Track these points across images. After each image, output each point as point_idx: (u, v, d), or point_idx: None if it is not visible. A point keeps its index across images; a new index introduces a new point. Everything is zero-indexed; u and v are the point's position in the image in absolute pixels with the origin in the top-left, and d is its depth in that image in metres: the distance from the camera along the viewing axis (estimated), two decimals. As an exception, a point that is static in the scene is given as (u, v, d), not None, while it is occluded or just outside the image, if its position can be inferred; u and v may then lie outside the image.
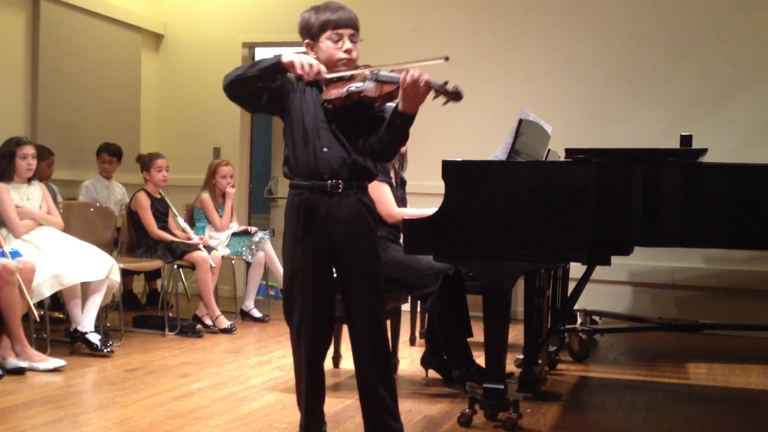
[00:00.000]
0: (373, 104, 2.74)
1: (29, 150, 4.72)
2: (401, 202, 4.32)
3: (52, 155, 5.79)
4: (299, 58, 2.67)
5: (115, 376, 4.18)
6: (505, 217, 3.30)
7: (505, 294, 3.31)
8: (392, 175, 4.28)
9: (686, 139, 3.86)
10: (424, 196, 5.08)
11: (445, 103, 2.64)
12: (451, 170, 3.34)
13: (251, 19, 7.29)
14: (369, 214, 2.83)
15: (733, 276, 5.97)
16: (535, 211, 3.28)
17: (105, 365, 4.42)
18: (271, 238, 6.28)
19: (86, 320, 4.66)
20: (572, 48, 6.42)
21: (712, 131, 5.81)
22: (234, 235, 6.12)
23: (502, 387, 3.32)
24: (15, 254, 4.37)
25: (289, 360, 4.55)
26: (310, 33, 2.79)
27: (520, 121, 3.59)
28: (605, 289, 6.02)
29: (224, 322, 5.56)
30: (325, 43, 2.76)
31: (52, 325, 4.82)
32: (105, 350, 4.60)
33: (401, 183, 4.45)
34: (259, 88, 2.76)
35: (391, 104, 2.73)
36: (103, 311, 5.04)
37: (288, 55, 2.68)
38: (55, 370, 4.20)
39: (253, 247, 6.06)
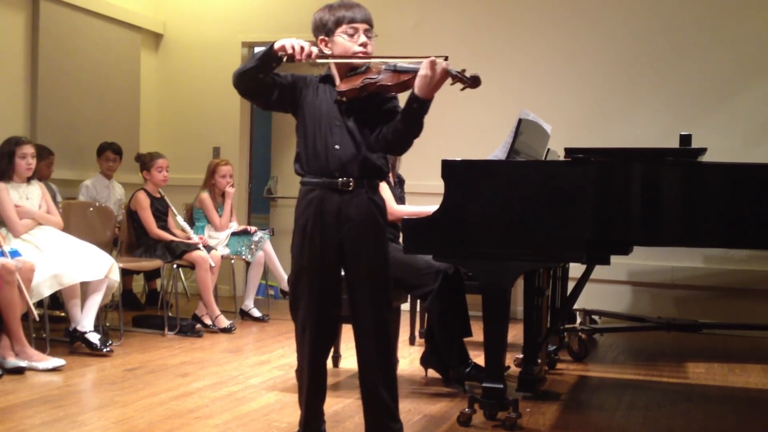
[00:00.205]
0: (388, 93, 2.72)
1: (28, 149, 4.72)
2: (399, 200, 4.32)
3: (52, 155, 5.79)
4: (290, 41, 2.66)
5: (114, 375, 4.18)
6: (505, 216, 3.30)
7: (504, 293, 3.31)
8: (390, 174, 4.28)
9: (685, 139, 3.85)
10: (423, 196, 5.08)
11: (463, 89, 2.63)
12: (451, 170, 3.34)
13: (251, 18, 7.29)
14: (379, 214, 2.82)
15: (733, 275, 5.97)
16: (534, 211, 3.29)
17: (104, 365, 4.42)
18: (270, 237, 6.28)
19: (86, 320, 4.66)
20: (572, 47, 6.42)
21: (712, 131, 5.81)
22: (233, 234, 6.12)
23: (501, 386, 3.32)
24: (14, 254, 4.37)
25: (288, 360, 4.56)
26: (325, 29, 2.80)
27: (520, 121, 3.59)
28: (605, 288, 6.03)
29: (224, 322, 5.56)
30: (341, 37, 2.76)
31: (52, 324, 4.82)
32: (104, 350, 4.60)
33: (399, 182, 4.45)
34: (264, 81, 2.75)
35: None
36: (103, 311, 5.04)
37: (280, 40, 2.68)
38: (55, 369, 4.20)
39: (253, 246, 6.06)
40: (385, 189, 4.10)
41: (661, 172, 3.28)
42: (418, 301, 4.68)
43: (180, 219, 5.85)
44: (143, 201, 5.61)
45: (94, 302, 4.70)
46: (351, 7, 2.78)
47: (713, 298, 6.03)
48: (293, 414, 3.31)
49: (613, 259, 3.40)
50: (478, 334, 3.69)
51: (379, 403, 2.81)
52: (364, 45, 2.76)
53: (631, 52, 6.28)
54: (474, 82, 2.60)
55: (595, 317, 5.59)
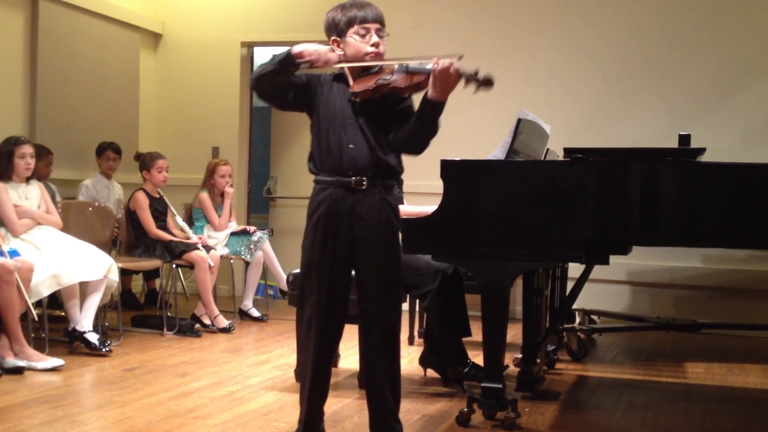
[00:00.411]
0: (402, 95, 2.73)
1: (28, 149, 4.71)
2: (398, 200, 4.31)
3: (51, 154, 5.78)
4: (308, 47, 2.68)
5: (113, 375, 4.18)
6: (504, 216, 3.30)
7: (503, 293, 3.32)
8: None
9: (685, 139, 3.86)
10: (422, 196, 5.07)
11: (476, 91, 2.64)
12: (450, 169, 3.34)
13: (250, 18, 7.29)
14: (393, 214, 2.82)
15: (732, 275, 5.97)
16: (533, 211, 3.29)
17: (103, 365, 4.42)
18: (269, 237, 6.28)
19: (85, 320, 4.65)
20: (571, 47, 6.42)
21: (711, 131, 5.81)
22: (233, 234, 6.12)
23: (500, 386, 3.32)
24: (13, 253, 4.36)
25: (287, 360, 4.56)
26: (337, 29, 2.80)
27: (519, 121, 3.59)
28: (604, 288, 6.02)
29: (223, 322, 5.56)
30: (353, 38, 2.76)
31: (51, 324, 4.82)
32: (103, 350, 4.60)
33: (398, 182, 4.45)
34: (281, 83, 2.76)
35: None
36: (102, 311, 5.04)
37: (299, 45, 2.69)
38: (54, 369, 4.20)
39: (252, 246, 6.06)
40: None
41: (660, 172, 3.28)
42: (417, 300, 4.68)
43: (179, 219, 5.85)
44: (142, 201, 5.61)
45: (93, 302, 4.69)
46: (363, 6, 2.78)
47: (712, 298, 6.03)
48: (292, 414, 3.31)
49: (612, 258, 3.40)
50: (477, 333, 3.69)
51: (383, 404, 2.81)
52: (375, 45, 2.76)
53: (630, 52, 6.28)
54: (487, 83, 2.60)
55: (594, 317, 5.59)
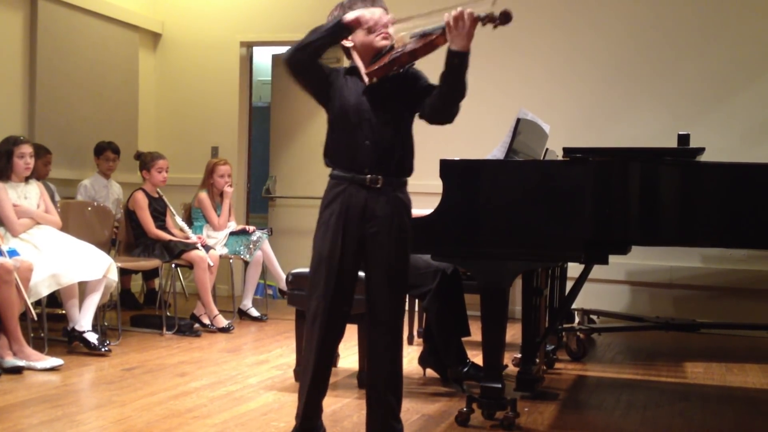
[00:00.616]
0: (417, 58, 2.67)
1: (27, 149, 4.71)
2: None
3: (49, 153, 5.78)
4: (363, 12, 2.65)
5: (112, 375, 4.18)
6: (503, 216, 3.30)
7: (503, 293, 3.32)
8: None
9: (684, 138, 3.86)
10: (422, 195, 5.05)
11: (495, 27, 2.59)
12: (449, 169, 3.34)
13: (249, 18, 7.29)
14: (405, 213, 2.81)
15: (731, 275, 5.97)
16: (533, 211, 3.29)
17: (102, 364, 4.42)
18: (268, 237, 6.28)
19: (84, 319, 4.65)
20: (570, 47, 6.42)
21: (710, 130, 5.81)
22: (232, 234, 6.11)
23: (499, 386, 3.32)
24: (13, 253, 4.36)
25: (286, 359, 4.56)
26: None
27: (518, 120, 3.60)
28: (603, 288, 6.02)
29: (222, 322, 5.56)
30: (360, 34, 2.74)
31: (50, 323, 4.82)
32: (102, 349, 4.60)
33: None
34: (321, 54, 2.71)
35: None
36: (101, 310, 5.04)
37: (351, 13, 2.66)
38: (53, 369, 4.20)
39: (251, 246, 6.06)
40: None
41: (659, 171, 3.29)
42: (417, 300, 4.68)
43: (178, 219, 5.85)
44: (141, 201, 5.61)
45: (93, 302, 4.69)
46: (364, 1, 2.76)
47: (711, 298, 6.03)
48: (292, 413, 3.30)
49: (612, 258, 3.40)
50: (476, 333, 3.69)
51: (385, 403, 2.81)
52: (384, 26, 2.73)
53: (629, 51, 6.28)
54: (504, 17, 2.56)
55: (594, 317, 5.59)
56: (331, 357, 2.88)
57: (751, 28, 6.06)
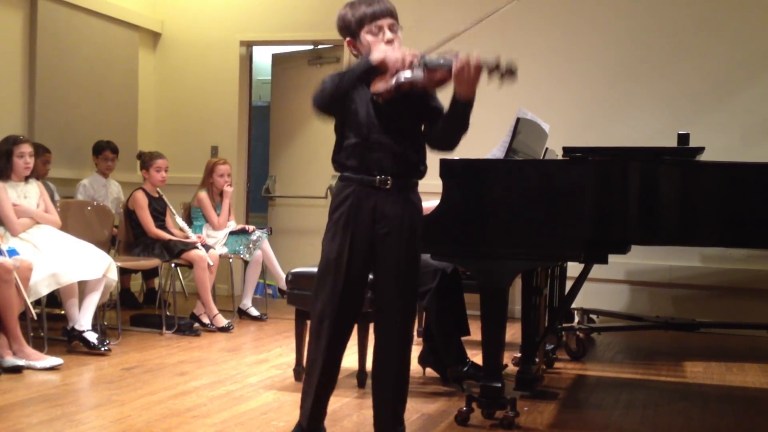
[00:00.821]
0: (421, 90, 2.67)
1: (27, 148, 4.71)
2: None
3: (48, 152, 5.78)
4: (388, 54, 2.62)
5: (112, 374, 4.18)
6: (503, 215, 3.30)
7: (502, 292, 3.31)
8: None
9: (683, 138, 3.86)
10: (421, 195, 5.07)
11: (501, 84, 2.58)
12: (449, 169, 3.34)
13: (249, 17, 7.29)
14: (416, 214, 2.80)
15: (730, 275, 5.97)
16: (532, 210, 3.29)
17: (102, 364, 4.42)
18: (268, 236, 6.28)
19: (83, 319, 4.65)
20: (570, 47, 6.42)
21: (710, 130, 5.81)
22: (231, 233, 6.12)
23: (499, 385, 3.32)
24: (12, 252, 4.36)
25: (286, 359, 4.56)
26: (350, 30, 2.76)
27: (518, 120, 3.60)
28: (602, 287, 6.03)
29: (222, 321, 5.55)
30: (366, 38, 2.73)
31: (50, 323, 4.82)
32: (102, 349, 4.60)
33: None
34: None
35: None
36: (101, 310, 5.03)
37: (377, 53, 2.64)
38: (53, 368, 4.20)
39: (251, 245, 6.06)
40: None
41: (659, 171, 3.28)
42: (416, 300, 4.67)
43: (178, 218, 5.85)
44: (141, 200, 5.61)
45: (92, 301, 4.69)
46: (371, 2, 2.74)
47: (711, 298, 6.03)
48: (291, 413, 3.31)
49: (611, 258, 3.40)
50: (476, 333, 3.69)
51: (389, 405, 2.80)
52: (390, 42, 2.72)
53: (629, 51, 6.29)
54: (510, 73, 2.55)
55: (593, 316, 5.59)
56: (339, 358, 2.85)
57: (751, 28, 6.06)
